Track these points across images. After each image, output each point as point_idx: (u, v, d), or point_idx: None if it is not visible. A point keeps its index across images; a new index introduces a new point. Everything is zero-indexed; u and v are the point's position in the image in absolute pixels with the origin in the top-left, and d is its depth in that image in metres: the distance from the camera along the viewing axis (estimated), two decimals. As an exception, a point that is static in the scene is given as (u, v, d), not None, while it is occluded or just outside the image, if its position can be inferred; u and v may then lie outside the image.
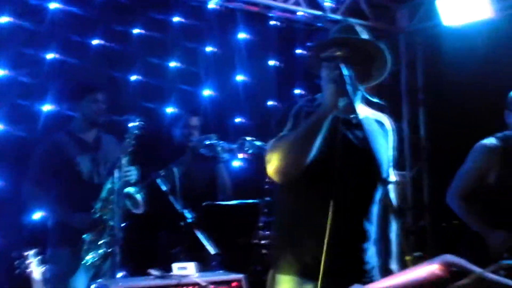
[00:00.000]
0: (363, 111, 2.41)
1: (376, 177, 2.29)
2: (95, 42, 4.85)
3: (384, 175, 2.37)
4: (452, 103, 6.22)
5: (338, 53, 2.17)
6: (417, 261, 1.70)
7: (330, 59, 2.18)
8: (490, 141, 3.65)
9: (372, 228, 2.35)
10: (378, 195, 2.36)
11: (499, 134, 3.66)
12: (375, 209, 2.36)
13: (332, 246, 2.17)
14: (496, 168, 3.58)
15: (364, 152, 2.23)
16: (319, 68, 2.32)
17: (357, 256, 2.31)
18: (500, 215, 3.56)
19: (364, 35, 2.39)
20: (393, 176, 2.53)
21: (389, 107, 7.12)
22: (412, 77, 6.67)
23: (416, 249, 6.04)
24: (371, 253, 2.35)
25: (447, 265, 1.50)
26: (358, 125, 2.24)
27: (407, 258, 1.98)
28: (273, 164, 2.19)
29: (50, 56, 4.61)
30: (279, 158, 2.17)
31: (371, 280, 2.27)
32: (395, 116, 6.62)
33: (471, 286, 1.47)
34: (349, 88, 2.09)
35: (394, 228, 2.43)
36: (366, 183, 2.33)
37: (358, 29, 2.40)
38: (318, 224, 2.19)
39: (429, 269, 1.50)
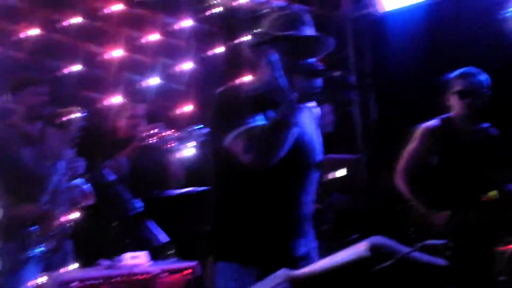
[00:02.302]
0: None
1: (312, 163, 2.35)
2: (33, 33, 4.75)
3: (319, 159, 2.44)
4: (400, 85, 6.34)
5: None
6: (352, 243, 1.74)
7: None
8: (432, 122, 3.78)
9: (310, 211, 2.41)
10: (313, 180, 2.41)
11: (442, 116, 3.80)
12: (313, 192, 2.42)
13: (276, 229, 2.26)
14: (438, 149, 3.72)
15: (300, 140, 2.29)
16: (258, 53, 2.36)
17: (298, 239, 2.35)
18: (443, 195, 3.68)
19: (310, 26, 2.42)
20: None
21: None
22: (360, 62, 6.76)
23: (370, 233, 6.16)
24: (311, 236, 2.41)
25: (375, 247, 1.54)
26: None
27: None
28: (254, 153, 2.17)
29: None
30: (262, 147, 2.17)
31: (311, 261, 2.32)
32: (346, 101, 6.77)
33: (397, 267, 1.52)
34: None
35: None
36: (304, 169, 2.38)
37: (306, 18, 2.42)
38: (267, 208, 2.27)
39: (356, 251, 1.54)
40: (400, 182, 3.77)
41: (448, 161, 3.71)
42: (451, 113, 3.80)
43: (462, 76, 3.75)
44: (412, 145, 3.80)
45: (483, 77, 3.75)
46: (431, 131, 3.76)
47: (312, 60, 2.35)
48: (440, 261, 1.63)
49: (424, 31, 5.97)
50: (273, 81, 2.21)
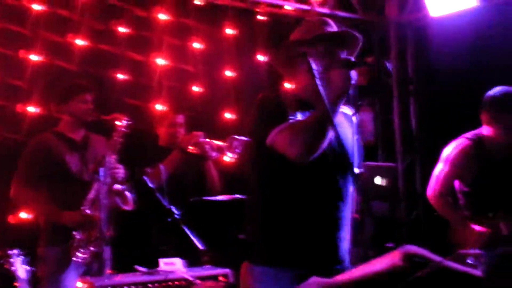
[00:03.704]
0: None
1: (349, 170, 2.34)
2: (79, 42, 4.86)
3: (355, 167, 2.44)
4: (443, 93, 6.24)
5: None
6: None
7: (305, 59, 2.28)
8: (464, 143, 3.73)
9: (347, 217, 2.42)
10: (350, 187, 2.44)
11: (469, 135, 3.72)
12: (350, 200, 2.43)
13: (313, 235, 2.32)
14: (472, 169, 3.70)
15: (338, 146, 2.31)
16: (290, 64, 2.44)
17: (334, 245, 2.38)
18: (478, 211, 3.69)
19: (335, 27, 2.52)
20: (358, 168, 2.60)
21: (380, 99, 7.20)
22: (402, 69, 6.68)
23: (408, 241, 6.07)
24: (346, 242, 2.42)
25: (408, 256, 1.52)
26: None
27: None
28: (298, 146, 2.23)
29: (34, 58, 4.64)
30: (305, 140, 2.23)
31: (344, 269, 2.34)
32: (386, 107, 6.73)
33: (431, 276, 1.50)
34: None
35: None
36: (342, 176, 2.40)
37: (330, 22, 2.52)
38: (302, 213, 2.33)
39: (390, 259, 1.52)
40: (433, 199, 3.81)
41: (484, 179, 3.69)
42: (484, 131, 3.72)
43: (510, 108, 3.62)
44: (444, 168, 3.78)
45: None
46: (464, 153, 3.70)
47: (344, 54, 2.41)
48: (475, 271, 1.60)
49: (470, 39, 5.86)
50: (311, 87, 2.26)
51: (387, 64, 6.50)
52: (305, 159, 2.24)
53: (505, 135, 3.61)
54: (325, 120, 2.20)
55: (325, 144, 2.25)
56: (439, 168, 3.81)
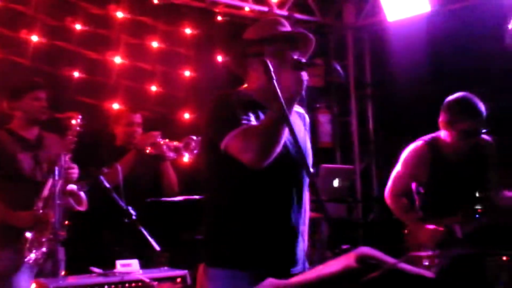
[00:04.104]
0: None
1: (304, 169, 2.34)
2: (34, 38, 4.76)
3: (310, 167, 2.45)
4: (399, 97, 6.34)
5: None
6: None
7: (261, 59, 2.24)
8: (419, 145, 3.81)
9: (302, 219, 2.44)
10: (306, 188, 2.45)
11: (426, 137, 3.80)
12: (306, 200, 2.45)
13: (269, 236, 2.31)
14: (427, 171, 3.77)
15: (293, 146, 2.31)
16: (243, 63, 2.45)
17: (290, 247, 2.38)
18: (432, 212, 3.76)
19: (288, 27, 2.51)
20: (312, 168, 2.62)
21: (337, 101, 7.28)
22: (360, 72, 6.77)
23: (364, 243, 6.15)
24: (302, 244, 2.43)
25: (363, 257, 1.53)
26: None
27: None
28: (252, 152, 2.21)
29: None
30: (259, 146, 2.21)
31: (302, 269, 2.37)
32: (344, 110, 6.81)
33: (384, 277, 1.51)
34: None
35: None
36: (297, 176, 2.41)
37: (283, 22, 2.51)
38: (258, 217, 2.32)
39: (345, 261, 1.53)
40: (388, 199, 3.88)
41: (437, 181, 3.76)
42: (441, 135, 3.78)
43: (467, 114, 3.65)
44: (401, 169, 3.85)
45: (482, 111, 3.67)
46: (419, 155, 3.77)
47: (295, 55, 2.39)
48: (427, 273, 1.62)
49: (425, 43, 5.98)
50: (265, 87, 2.24)
51: (337, 66, 6.57)
52: (259, 165, 2.22)
53: (460, 139, 3.68)
54: (281, 122, 2.18)
55: (279, 147, 2.23)
56: (395, 169, 3.88)
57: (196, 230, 4.11)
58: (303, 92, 2.24)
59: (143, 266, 3.43)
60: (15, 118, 3.97)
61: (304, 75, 2.24)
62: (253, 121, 2.31)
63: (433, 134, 3.83)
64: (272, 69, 2.19)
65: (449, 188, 3.73)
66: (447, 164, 3.75)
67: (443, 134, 3.76)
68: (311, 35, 2.46)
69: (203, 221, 2.47)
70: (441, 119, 3.73)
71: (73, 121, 3.90)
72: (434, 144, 3.78)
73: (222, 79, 5.75)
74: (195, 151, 4.07)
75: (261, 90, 2.38)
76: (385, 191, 3.91)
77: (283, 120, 2.16)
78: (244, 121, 2.28)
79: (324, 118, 6.32)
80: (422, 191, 3.80)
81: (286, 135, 2.23)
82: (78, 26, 4.98)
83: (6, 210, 3.76)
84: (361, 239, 6.29)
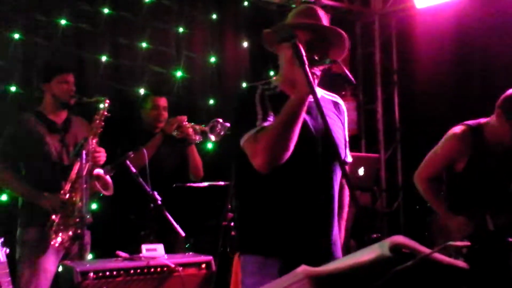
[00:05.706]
0: (319, 92, 2.43)
1: (335, 159, 2.31)
2: (63, 22, 4.77)
3: (342, 156, 2.42)
4: (426, 84, 6.27)
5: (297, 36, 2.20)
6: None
7: (292, 42, 2.18)
8: (462, 129, 3.61)
9: (335, 207, 2.40)
10: (338, 176, 2.41)
11: (471, 122, 3.66)
12: (336, 190, 2.41)
13: (300, 224, 2.29)
14: (465, 157, 3.59)
15: (323, 134, 2.28)
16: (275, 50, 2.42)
17: (322, 234, 2.36)
18: (463, 202, 3.62)
19: (325, 20, 2.42)
20: (349, 157, 2.59)
21: (364, 88, 7.21)
22: (386, 59, 6.70)
23: (387, 231, 6.12)
24: (335, 231, 2.41)
25: (397, 246, 1.51)
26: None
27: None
28: (260, 157, 2.20)
29: (16, 36, 4.55)
30: (266, 151, 2.19)
31: (333, 257, 2.34)
32: (369, 97, 6.74)
33: (418, 267, 1.49)
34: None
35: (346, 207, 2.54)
36: (328, 165, 2.37)
37: (320, 13, 2.42)
38: (288, 205, 2.30)
39: (378, 250, 1.51)
40: (420, 182, 3.70)
41: (474, 168, 3.59)
42: (485, 122, 3.60)
43: None
44: (439, 151, 3.66)
45: None
46: (460, 139, 3.58)
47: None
48: (461, 263, 1.60)
49: (453, 30, 5.89)
50: (288, 75, 2.20)
51: (347, 73, 6.50)
52: (265, 169, 2.21)
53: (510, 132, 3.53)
54: (301, 105, 2.15)
55: (288, 150, 2.19)
56: (432, 151, 3.70)
57: (220, 216, 4.12)
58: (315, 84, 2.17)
59: (167, 251, 3.44)
60: (44, 101, 3.99)
61: (316, 71, 2.20)
62: (271, 120, 2.27)
63: (480, 120, 3.62)
64: (304, 54, 2.13)
65: (486, 176, 3.57)
66: (488, 154, 3.57)
67: (493, 121, 3.59)
68: (343, 33, 2.37)
69: (235, 209, 2.46)
70: (497, 109, 3.54)
71: (101, 106, 3.92)
72: (479, 130, 3.58)
73: (246, 66, 5.75)
74: (221, 133, 4.05)
75: (287, 81, 2.35)
76: (416, 173, 3.71)
77: (300, 109, 2.14)
78: (260, 121, 2.25)
79: (349, 106, 6.28)
80: (456, 177, 3.65)
81: (297, 133, 2.18)
82: (106, 10, 4.98)
83: (33, 191, 3.80)
84: (385, 228, 6.26)
